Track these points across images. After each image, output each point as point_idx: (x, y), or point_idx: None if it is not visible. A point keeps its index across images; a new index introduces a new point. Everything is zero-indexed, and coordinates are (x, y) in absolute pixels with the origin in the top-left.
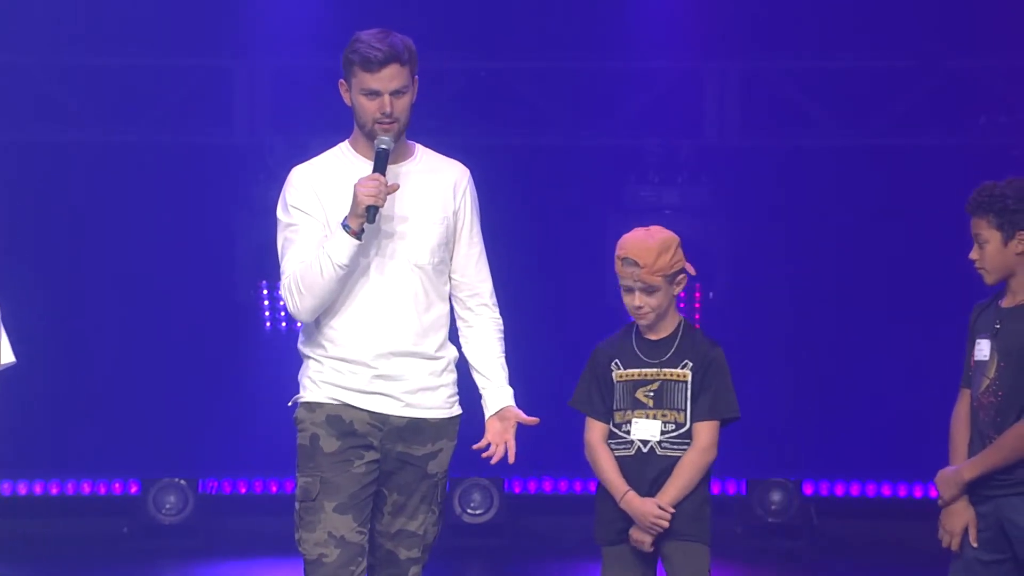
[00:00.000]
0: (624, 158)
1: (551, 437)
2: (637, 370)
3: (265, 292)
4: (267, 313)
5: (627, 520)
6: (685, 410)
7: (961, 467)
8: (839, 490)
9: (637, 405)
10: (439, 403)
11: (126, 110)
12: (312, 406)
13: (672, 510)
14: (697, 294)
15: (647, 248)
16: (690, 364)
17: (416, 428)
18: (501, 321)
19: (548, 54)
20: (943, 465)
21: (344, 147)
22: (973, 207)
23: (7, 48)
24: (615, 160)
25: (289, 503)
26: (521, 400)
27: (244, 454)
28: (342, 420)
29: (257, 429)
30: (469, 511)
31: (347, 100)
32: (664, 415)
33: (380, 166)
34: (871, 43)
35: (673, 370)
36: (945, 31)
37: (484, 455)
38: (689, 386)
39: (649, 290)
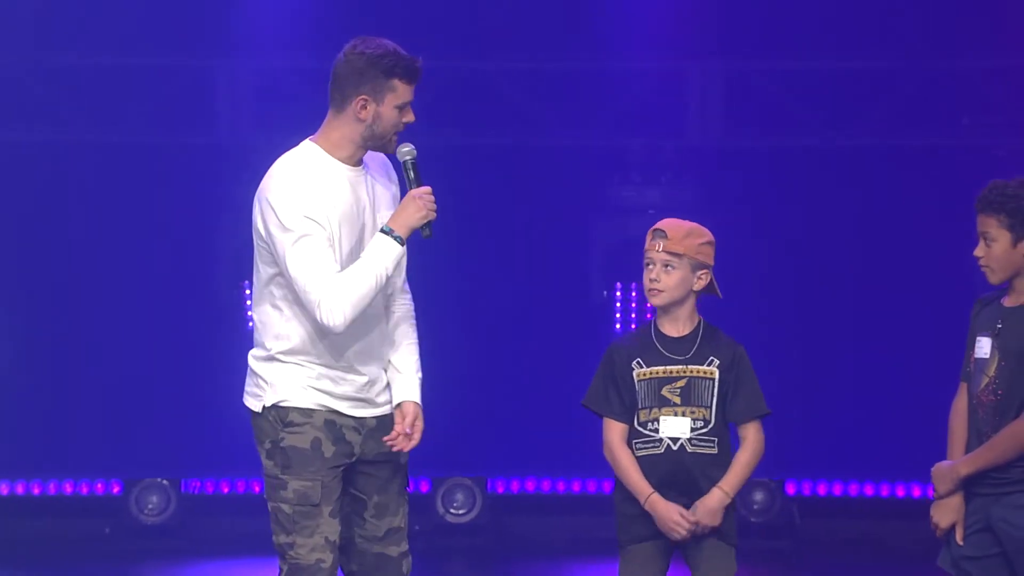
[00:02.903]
0: (607, 158)
1: (534, 437)
2: (662, 367)
3: (247, 292)
4: (249, 313)
5: (648, 520)
6: (711, 407)
7: (957, 463)
8: (821, 490)
9: (664, 403)
10: (389, 398)
11: (107, 110)
12: (306, 412)
13: (693, 519)
14: None
15: (679, 225)
16: (716, 361)
17: (383, 426)
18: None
19: (530, 54)
20: (926, 464)
21: (315, 150)
22: (983, 204)
23: None
24: (598, 160)
25: None
26: (507, 401)
27: (227, 454)
28: (335, 426)
29: (239, 429)
30: (452, 511)
31: (364, 115)
32: (693, 412)
33: (419, 175)
34: (854, 44)
35: (700, 367)
36: (928, 32)
37: (392, 442)
38: (716, 384)
39: (667, 266)
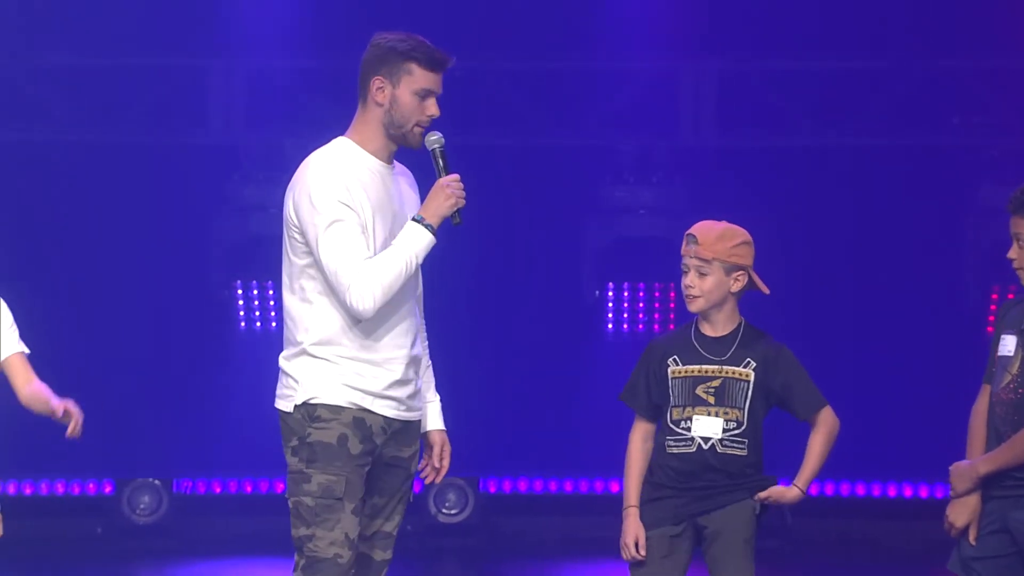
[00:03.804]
0: (599, 158)
1: (527, 437)
2: (697, 366)
3: (240, 292)
4: (241, 313)
5: (662, 506)
6: (744, 409)
7: (976, 461)
8: (813, 489)
9: (698, 402)
10: (419, 404)
11: (101, 110)
12: (335, 409)
13: (763, 495)
14: (672, 294)
15: (711, 228)
16: (752, 364)
17: (408, 430)
18: None
19: (523, 54)
20: (919, 464)
21: (348, 144)
22: (1016, 206)
23: None
24: (590, 160)
25: (264, 502)
26: (499, 400)
27: (218, 454)
28: (364, 424)
29: (231, 429)
30: (444, 511)
31: (381, 98)
32: (726, 413)
33: (447, 163)
34: (846, 43)
35: (736, 368)
36: (919, 32)
37: (426, 474)
38: (751, 386)
39: (701, 271)
